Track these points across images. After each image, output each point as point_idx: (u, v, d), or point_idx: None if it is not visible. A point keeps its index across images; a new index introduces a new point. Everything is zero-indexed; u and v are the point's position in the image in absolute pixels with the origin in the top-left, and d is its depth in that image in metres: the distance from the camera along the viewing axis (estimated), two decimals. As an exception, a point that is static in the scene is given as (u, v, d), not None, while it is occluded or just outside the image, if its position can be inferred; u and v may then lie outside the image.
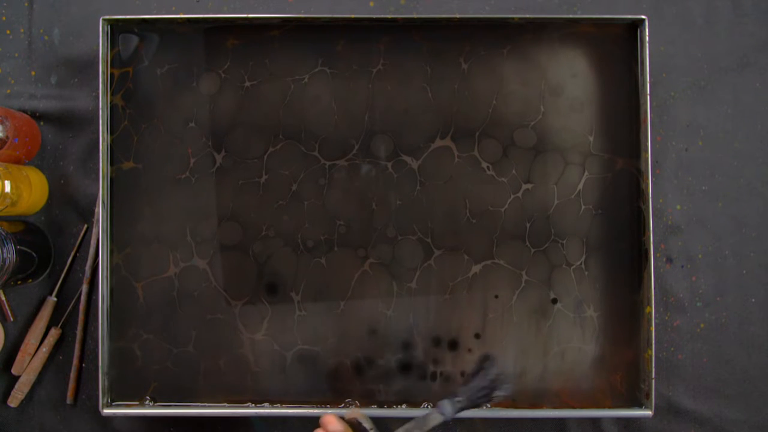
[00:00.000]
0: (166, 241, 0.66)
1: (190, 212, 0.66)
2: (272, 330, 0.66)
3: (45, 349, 0.68)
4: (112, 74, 0.66)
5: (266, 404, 0.66)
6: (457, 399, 0.57)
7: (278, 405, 0.66)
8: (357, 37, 0.67)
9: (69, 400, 0.68)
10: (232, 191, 0.66)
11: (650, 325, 0.65)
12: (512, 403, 0.65)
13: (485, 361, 0.60)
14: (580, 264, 0.66)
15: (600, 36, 0.67)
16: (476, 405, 0.58)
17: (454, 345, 0.66)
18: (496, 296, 0.66)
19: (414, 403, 0.66)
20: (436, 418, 0.56)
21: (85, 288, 0.69)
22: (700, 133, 0.70)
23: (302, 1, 0.70)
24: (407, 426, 0.56)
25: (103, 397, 0.65)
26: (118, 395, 0.66)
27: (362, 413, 0.57)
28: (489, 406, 0.64)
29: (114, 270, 0.66)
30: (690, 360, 0.69)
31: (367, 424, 0.56)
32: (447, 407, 0.57)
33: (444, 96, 0.67)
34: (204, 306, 0.66)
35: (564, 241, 0.66)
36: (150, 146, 0.66)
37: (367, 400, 0.66)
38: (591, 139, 0.66)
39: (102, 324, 0.65)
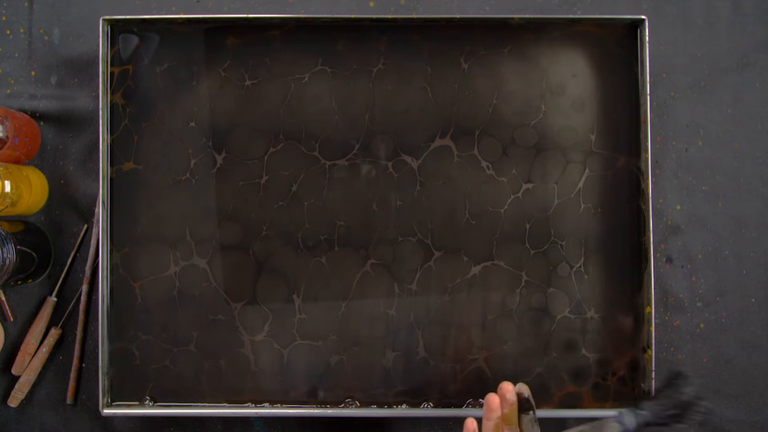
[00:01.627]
0: (166, 241, 0.66)
1: (191, 213, 0.66)
2: (272, 330, 0.66)
3: (45, 349, 0.68)
4: (112, 73, 0.66)
5: (266, 404, 0.66)
6: (640, 412, 0.54)
7: (278, 405, 0.65)
8: (357, 37, 0.67)
9: (69, 400, 0.68)
10: (233, 192, 0.66)
11: (650, 325, 0.65)
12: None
13: (677, 377, 0.56)
14: (580, 265, 0.66)
15: (600, 36, 0.67)
16: (662, 424, 0.54)
17: (454, 346, 0.66)
18: (496, 297, 0.66)
19: (414, 404, 0.66)
20: (613, 427, 0.53)
21: (85, 288, 0.69)
22: (700, 133, 0.70)
23: (302, 1, 0.70)
24: (582, 428, 0.53)
25: (103, 397, 0.65)
26: (117, 395, 0.66)
27: (529, 389, 0.55)
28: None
29: (114, 270, 0.66)
30: (690, 360, 0.69)
31: (533, 401, 0.55)
32: (629, 417, 0.53)
33: (444, 96, 0.67)
34: (204, 306, 0.66)
35: (564, 242, 0.66)
36: (150, 146, 0.66)
37: (367, 400, 0.66)
38: (593, 137, 0.66)
39: (102, 324, 0.65)
